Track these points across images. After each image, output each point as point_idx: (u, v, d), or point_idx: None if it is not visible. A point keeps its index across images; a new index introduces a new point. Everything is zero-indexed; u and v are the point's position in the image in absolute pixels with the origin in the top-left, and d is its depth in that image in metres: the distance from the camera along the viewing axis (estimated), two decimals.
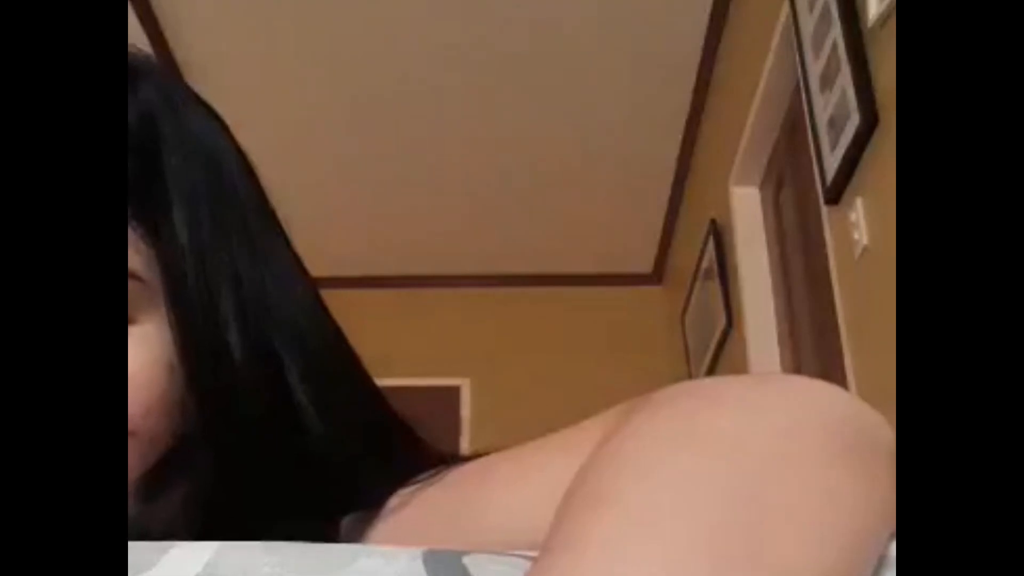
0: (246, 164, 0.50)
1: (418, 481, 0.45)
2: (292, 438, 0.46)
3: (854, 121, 2.00)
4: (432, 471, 0.45)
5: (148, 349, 0.43)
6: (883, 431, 0.36)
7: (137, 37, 3.04)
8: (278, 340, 0.47)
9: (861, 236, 2.03)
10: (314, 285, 0.51)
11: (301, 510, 0.44)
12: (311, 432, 0.46)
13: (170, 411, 0.44)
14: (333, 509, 0.45)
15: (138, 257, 0.44)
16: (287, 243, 0.51)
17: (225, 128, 0.50)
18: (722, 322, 3.31)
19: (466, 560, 0.33)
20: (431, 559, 0.33)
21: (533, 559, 0.32)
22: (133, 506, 0.43)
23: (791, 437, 0.33)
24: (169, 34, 3.24)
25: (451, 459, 0.47)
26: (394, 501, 0.44)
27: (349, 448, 0.46)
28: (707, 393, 0.35)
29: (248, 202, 0.49)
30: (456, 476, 0.44)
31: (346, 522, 0.45)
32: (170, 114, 0.47)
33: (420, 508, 0.43)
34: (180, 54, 3.29)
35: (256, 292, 0.47)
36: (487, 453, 0.45)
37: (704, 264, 3.58)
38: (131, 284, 0.43)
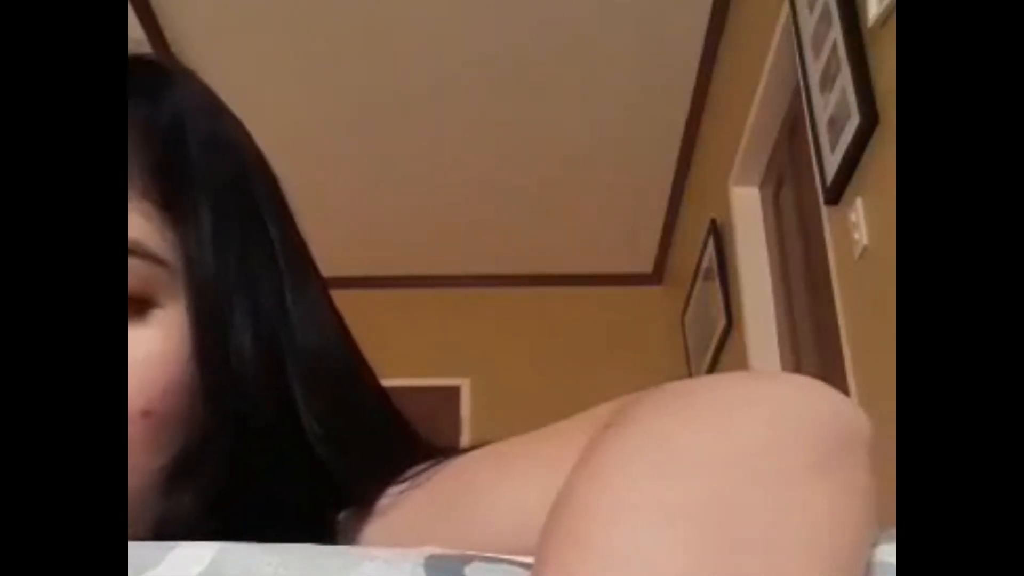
0: (265, 165, 0.52)
1: (415, 474, 0.46)
2: (292, 431, 0.46)
3: (854, 121, 2.00)
4: (429, 463, 0.46)
5: (168, 332, 0.44)
6: (860, 424, 0.36)
7: (137, 37, 3.04)
8: (284, 334, 0.48)
9: (861, 236, 2.03)
10: (325, 285, 0.53)
11: (301, 505, 0.45)
12: (310, 425, 0.47)
13: (189, 395, 0.44)
14: (332, 503, 0.46)
15: (164, 244, 0.45)
16: (303, 243, 0.53)
17: (246, 132, 0.52)
18: (722, 322, 3.31)
19: (467, 570, 0.33)
20: (433, 567, 0.33)
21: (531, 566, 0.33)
22: (157, 502, 0.43)
23: (767, 454, 0.32)
24: (169, 34, 3.24)
25: (448, 452, 0.47)
26: (391, 493, 0.45)
27: (347, 443, 0.47)
28: (680, 404, 0.35)
29: (265, 200, 0.51)
30: (451, 470, 0.44)
31: (344, 515, 0.45)
32: (199, 115, 0.49)
33: (415, 500, 0.44)
34: (180, 54, 3.29)
35: (268, 283, 0.48)
36: (483, 444, 0.45)
37: (704, 264, 3.58)
38: (156, 269, 0.44)
